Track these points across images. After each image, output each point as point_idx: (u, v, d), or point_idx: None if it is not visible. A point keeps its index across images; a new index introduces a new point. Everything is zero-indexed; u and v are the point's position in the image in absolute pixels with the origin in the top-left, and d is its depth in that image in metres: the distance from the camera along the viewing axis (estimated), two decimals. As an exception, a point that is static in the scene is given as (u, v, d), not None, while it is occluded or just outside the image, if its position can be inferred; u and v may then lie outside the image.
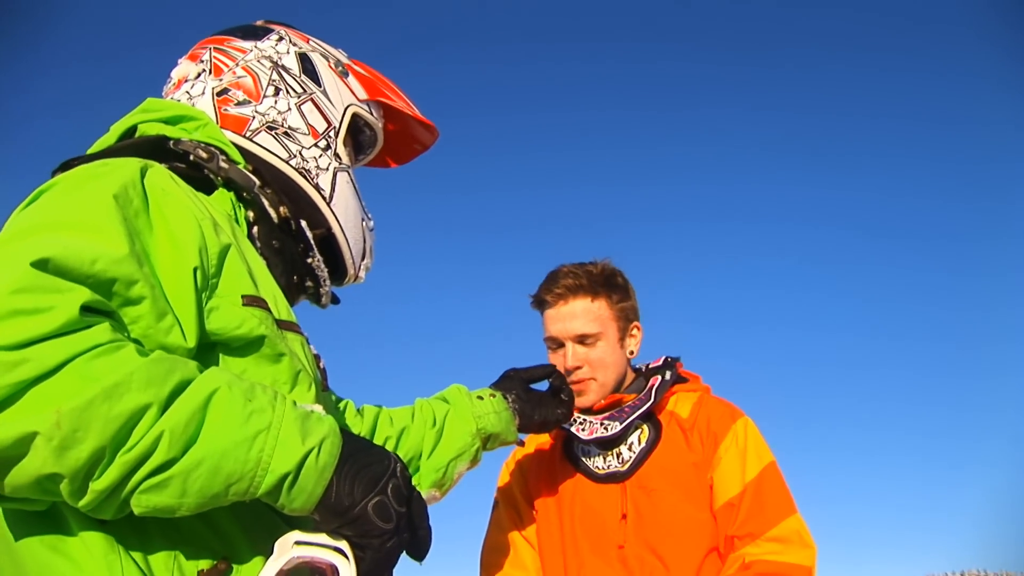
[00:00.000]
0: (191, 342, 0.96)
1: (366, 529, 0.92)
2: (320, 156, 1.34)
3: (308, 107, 1.35)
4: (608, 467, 1.97)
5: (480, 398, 1.70)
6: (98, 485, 0.81)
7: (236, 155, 1.25)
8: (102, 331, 0.83)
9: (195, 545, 0.95)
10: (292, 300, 1.34)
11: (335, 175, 1.35)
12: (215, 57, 1.34)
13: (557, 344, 1.99)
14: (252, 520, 1.00)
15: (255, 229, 1.24)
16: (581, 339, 1.95)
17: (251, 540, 0.99)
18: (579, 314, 1.95)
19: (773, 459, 1.93)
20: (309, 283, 1.35)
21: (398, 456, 0.99)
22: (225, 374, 0.91)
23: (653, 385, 1.98)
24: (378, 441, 1.59)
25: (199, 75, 1.33)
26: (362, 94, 1.45)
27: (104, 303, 0.87)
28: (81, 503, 0.82)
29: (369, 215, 1.45)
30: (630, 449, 1.97)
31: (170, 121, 1.25)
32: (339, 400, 1.61)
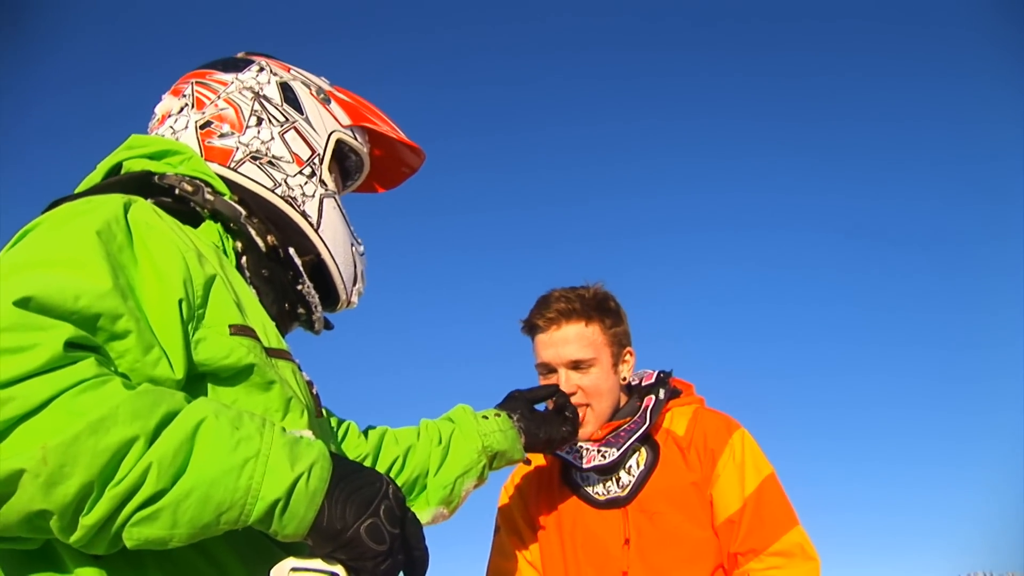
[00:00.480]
0: (179, 374, 0.96)
1: (360, 552, 0.91)
2: (305, 183, 1.34)
3: (291, 135, 1.36)
4: (608, 493, 1.95)
5: (485, 417, 1.73)
6: (88, 520, 0.81)
7: (221, 186, 1.26)
8: (87, 366, 0.83)
9: None
10: (285, 328, 1.34)
11: (321, 201, 1.36)
12: (197, 91, 1.36)
13: (549, 370, 1.95)
14: (247, 548, 1.00)
15: (243, 259, 1.25)
16: (575, 365, 1.91)
17: (247, 568, 0.99)
18: (572, 339, 1.91)
19: (772, 470, 1.91)
20: (301, 310, 1.35)
21: (391, 478, 0.99)
22: (212, 404, 0.91)
23: (647, 406, 1.95)
24: (384, 461, 1.60)
25: (182, 109, 1.35)
26: (345, 120, 1.46)
27: (89, 339, 0.88)
28: (72, 539, 0.82)
29: (359, 240, 1.46)
30: (629, 473, 1.94)
31: (155, 156, 1.26)
32: (341, 422, 1.61)
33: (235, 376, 1.03)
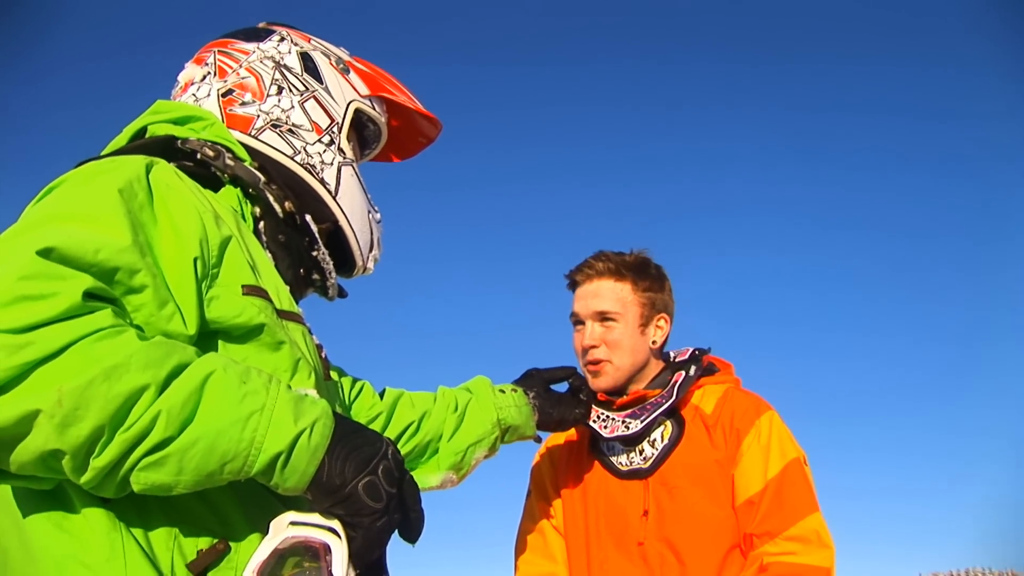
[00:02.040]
0: (191, 329, 1.00)
1: (356, 508, 0.94)
2: (324, 151, 1.37)
3: (311, 104, 1.38)
4: (631, 464, 1.99)
5: (502, 391, 1.79)
6: (98, 462, 0.84)
7: (242, 152, 1.29)
8: (104, 316, 0.87)
9: (194, 524, 0.98)
10: (300, 293, 1.38)
11: (339, 169, 1.39)
12: (219, 60, 1.39)
13: (578, 321, 2.03)
14: (250, 501, 1.03)
15: (261, 224, 1.28)
16: (601, 317, 1.98)
17: (249, 520, 1.02)
18: (602, 293, 2.00)
19: (799, 455, 1.91)
20: (316, 276, 1.38)
21: (391, 440, 1.02)
22: (221, 358, 0.94)
23: (676, 381, 1.99)
24: (399, 423, 1.65)
25: (204, 77, 1.38)
26: (364, 90, 1.48)
27: (107, 290, 0.91)
28: (83, 480, 0.86)
29: (376, 207, 1.49)
30: (653, 446, 1.97)
31: (178, 122, 1.30)
32: (355, 381, 1.66)
33: (246, 335, 1.06)
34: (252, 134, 1.33)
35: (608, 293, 1.99)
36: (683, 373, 2.01)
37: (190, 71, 1.40)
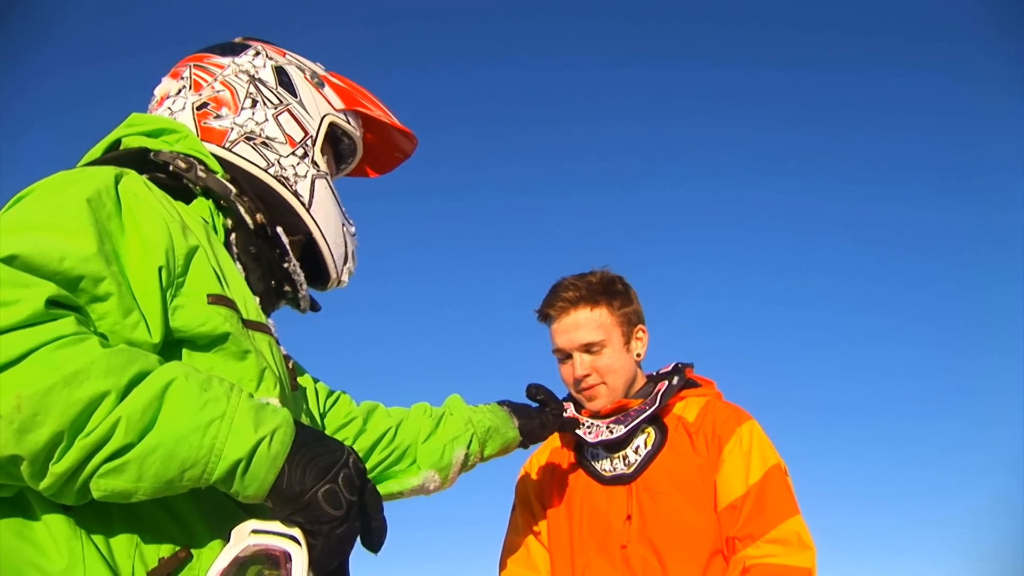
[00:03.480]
0: (156, 338, 1.01)
1: (316, 515, 0.95)
2: (298, 164, 1.39)
3: (285, 117, 1.40)
4: (615, 470, 2.03)
5: (476, 406, 1.84)
6: (58, 468, 0.85)
7: (215, 165, 1.31)
8: (66, 324, 0.88)
9: (156, 532, 0.98)
10: (272, 305, 1.39)
11: (313, 182, 1.40)
12: (195, 73, 1.41)
13: (565, 355, 2.06)
14: (212, 509, 1.04)
15: (232, 236, 1.30)
16: (587, 348, 2.02)
17: (211, 528, 1.03)
18: (582, 324, 2.02)
19: (779, 462, 1.96)
20: (287, 288, 1.40)
21: (352, 449, 1.03)
22: (183, 367, 0.95)
23: (659, 390, 2.04)
24: (376, 430, 1.67)
25: (180, 91, 1.39)
26: (339, 104, 1.50)
27: (71, 298, 0.92)
28: (42, 486, 0.86)
29: (350, 220, 1.50)
30: (636, 452, 2.02)
31: (152, 134, 1.31)
32: (332, 392, 1.67)
33: (210, 343, 1.07)
34: (226, 146, 1.34)
35: (588, 323, 2.02)
36: (666, 383, 2.06)
37: (166, 85, 1.42)
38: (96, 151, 1.31)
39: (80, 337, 0.88)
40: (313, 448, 0.98)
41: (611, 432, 2.00)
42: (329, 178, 1.46)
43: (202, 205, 1.28)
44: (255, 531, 0.97)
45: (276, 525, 0.97)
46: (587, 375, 2.02)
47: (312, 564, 0.96)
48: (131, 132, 1.32)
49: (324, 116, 1.46)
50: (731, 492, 1.91)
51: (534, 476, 2.20)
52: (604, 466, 2.05)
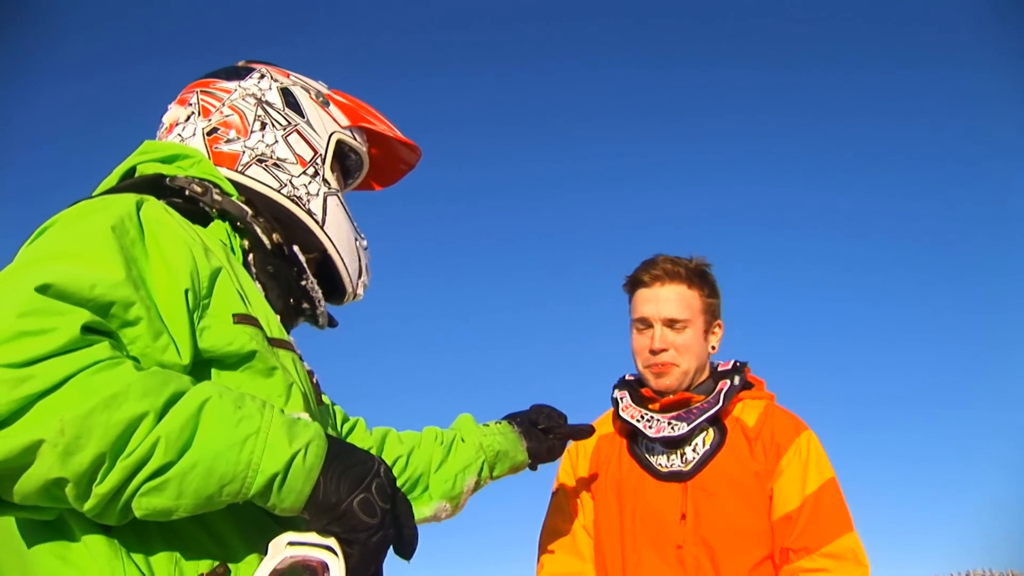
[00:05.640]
0: (186, 359, 1.03)
1: (352, 524, 0.97)
2: (309, 183, 1.42)
3: (294, 138, 1.43)
4: (671, 466, 2.02)
5: (486, 425, 1.84)
6: (101, 489, 0.87)
7: (229, 188, 1.33)
8: (102, 349, 0.90)
9: (194, 548, 1.00)
10: (291, 322, 1.41)
11: (325, 200, 1.43)
12: (202, 99, 1.44)
13: (645, 325, 2.05)
14: (247, 523, 1.06)
15: (250, 256, 1.32)
16: (671, 323, 2.02)
17: (247, 542, 1.05)
18: (673, 298, 2.03)
19: (834, 475, 1.96)
20: (305, 305, 1.42)
21: (382, 459, 1.05)
22: (216, 386, 0.98)
23: (722, 389, 2.03)
24: (388, 458, 1.67)
25: (188, 118, 1.42)
26: (344, 121, 1.53)
27: (103, 324, 0.95)
28: (86, 507, 0.88)
29: (362, 235, 1.53)
30: (694, 450, 2.01)
31: (166, 160, 1.34)
32: (348, 418, 1.69)
33: (238, 362, 1.10)
34: (239, 170, 1.37)
35: (679, 299, 2.03)
36: (727, 382, 2.06)
37: (174, 112, 1.45)
38: (111, 179, 1.34)
39: (116, 361, 0.90)
40: (346, 459, 1.00)
41: (673, 429, 1.98)
42: (340, 194, 1.48)
43: (219, 228, 1.30)
44: (291, 543, 0.99)
45: (312, 536, 0.99)
46: (664, 349, 2.01)
47: (349, 573, 0.98)
48: (145, 159, 1.34)
49: (331, 134, 1.49)
50: (788, 503, 1.91)
51: (583, 461, 2.16)
52: (660, 461, 2.02)
